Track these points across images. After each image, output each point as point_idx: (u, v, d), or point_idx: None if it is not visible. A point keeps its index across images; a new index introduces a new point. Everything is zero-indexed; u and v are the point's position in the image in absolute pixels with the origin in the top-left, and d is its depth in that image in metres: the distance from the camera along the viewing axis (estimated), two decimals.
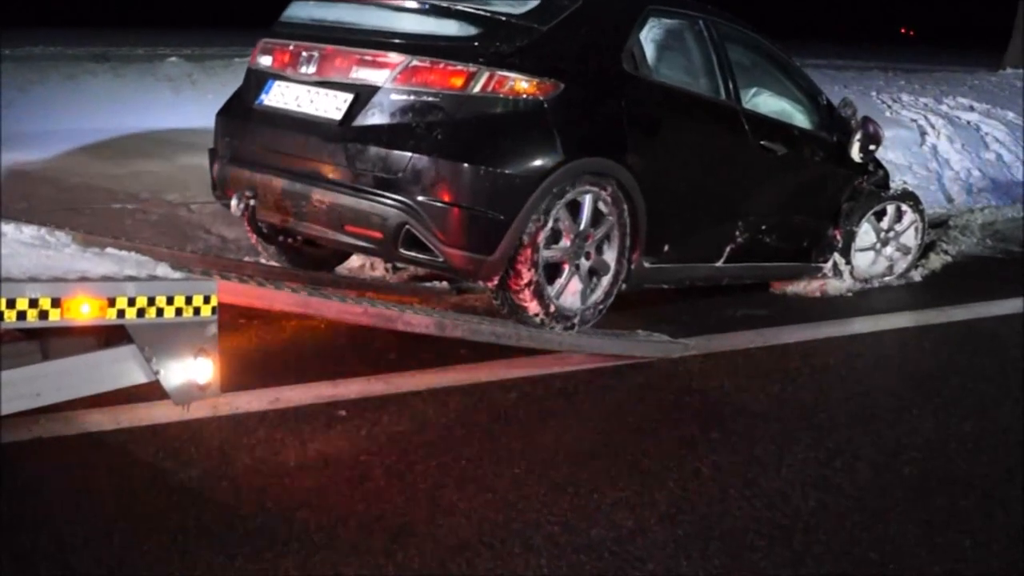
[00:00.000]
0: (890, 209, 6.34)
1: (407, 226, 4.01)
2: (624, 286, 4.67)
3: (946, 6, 49.56)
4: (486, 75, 4.09)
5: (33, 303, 2.60)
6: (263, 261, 5.06)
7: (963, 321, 5.68)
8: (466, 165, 4.01)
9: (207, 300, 2.97)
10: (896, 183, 6.62)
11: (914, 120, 11.12)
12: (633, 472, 3.37)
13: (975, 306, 5.95)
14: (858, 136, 5.94)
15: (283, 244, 4.96)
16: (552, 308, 4.33)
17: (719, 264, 5.29)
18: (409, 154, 4.00)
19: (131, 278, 2.85)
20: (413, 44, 4.17)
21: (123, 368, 2.89)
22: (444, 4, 4.30)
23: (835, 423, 3.97)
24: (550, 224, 4.20)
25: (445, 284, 5.26)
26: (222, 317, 3.03)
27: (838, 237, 6.04)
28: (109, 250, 3.08)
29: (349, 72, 4.22)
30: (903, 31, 49.44)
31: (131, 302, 2.80)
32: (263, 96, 4.52)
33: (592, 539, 2.93)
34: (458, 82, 4.07)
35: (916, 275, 6.58)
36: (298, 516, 2.90)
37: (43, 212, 5.61)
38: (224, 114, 4.77)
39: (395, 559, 2.74)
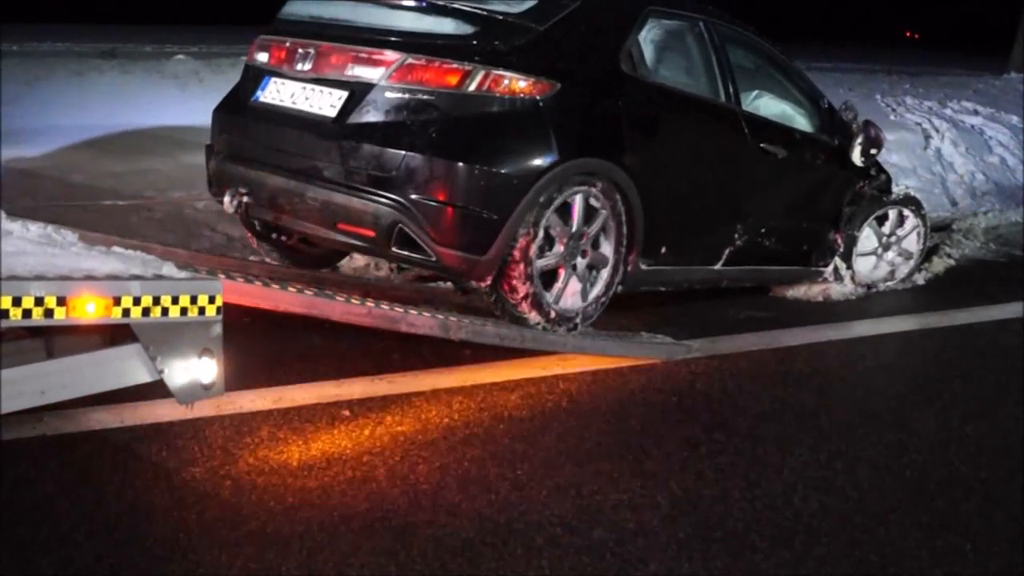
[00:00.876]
0: (892, 214, 6.31)
1: (400, 225, 4.00)
2: (620, 288, 4.66)
3: (950, 10, 49.50)
4: (481, 74, 4.07)
5: (39, 301, 2.61)
6: (267, 260, 5.07)
7: (965, 324, 5.69)
8: (460, 164, 4.00)
9: (212, 300, 2.98)
10: (899, 187, 6.60)
11: (918, 123, 11.11)
12: (635, 473, 3.38)
13: (977, 310, 5.96)
14: (859, 140, 5.91)
15: (278, 242, 4.96)
16: (553, 314, 4.33)
17: (718, 267, 5.28)
18: (403, 152, 3.99)
19: (137, 277, 2.86)
20: (409, 42, 4.16)
21: (128, 367, 2.90)
22: (441, 2, 4.28)
23: (837, 425, 3.98)
24: (541, 233, 4.18)
25: (449, 284, 5.26)
26: (226, 316, 3.04)
27: (839, 241, 6.02)
28: (115, 249, 3.09)
29: (344, 69, 4.21)
30: (907, 34, 49.40)
31: (136, 301, 2.81)
32: (259, 93, 4.52)
33: (594, 540, 2.93)
34: (453, 80, 4.06)
35: (919, 278, 6.57)
36: (301, 516, 2.91)
37: (48, 208, 5.61)
38: (221, 110, 4.76)
39: (398, 559, 2.75)
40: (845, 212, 6.06)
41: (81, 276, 2.75)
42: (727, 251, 5.26)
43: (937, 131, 10.93)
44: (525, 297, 4.21)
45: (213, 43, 12.74)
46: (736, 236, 5.27)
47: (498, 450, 3.47)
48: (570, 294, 4.44)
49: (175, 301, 2.89)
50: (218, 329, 3.01)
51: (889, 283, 6.35)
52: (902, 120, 11.20)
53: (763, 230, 5.45)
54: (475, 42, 4.16)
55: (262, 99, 4.49)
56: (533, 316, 4.26)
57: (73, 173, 6.62)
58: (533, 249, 4.17)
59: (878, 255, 6.31)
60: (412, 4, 4.31)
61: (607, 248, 4.51)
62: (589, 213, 4.39)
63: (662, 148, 4.73)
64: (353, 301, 3.76)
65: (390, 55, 4.11)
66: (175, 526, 2.80)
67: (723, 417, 3.95)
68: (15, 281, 2.60)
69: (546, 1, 4.41)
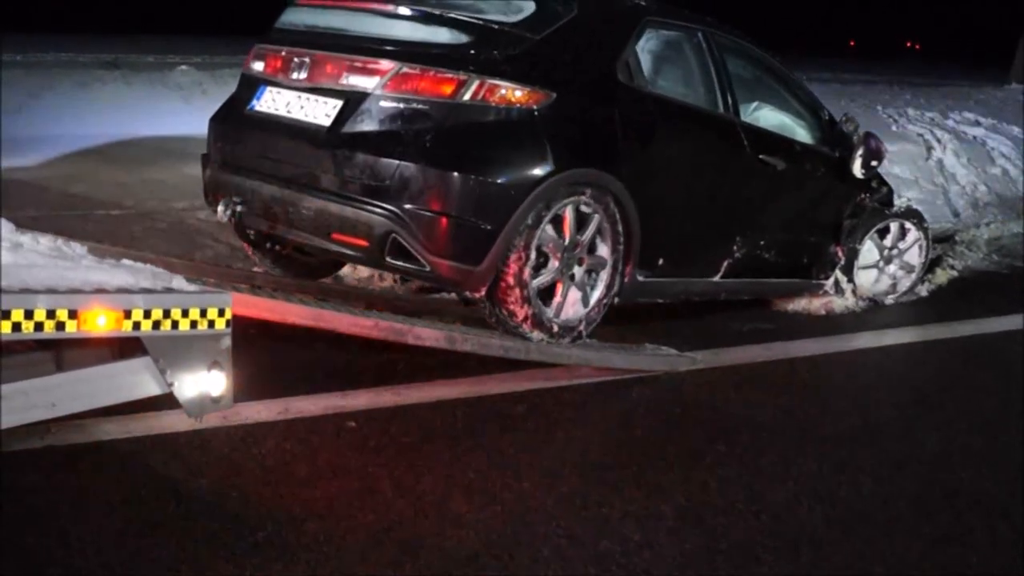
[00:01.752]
0: (894, 227, 6.27)
1: (393, 234, 3.97)
2: (617, 299, 4.63)
3: (952, 21, 49.58)
4: (476, 83, 4.05)
5: (50, 314, 2.63)
6: (261, 271, 5.06)
7: (968, 336, 5.70)
8: (454, 173, 3.97)
9: (221, 313, 3.00)
10: (901, 200, 6.58)
11: (920, 134, 11.13)
12: (640, 485, 3.39)
13: (980, 321, 5.96)
14: (860, 152, 5.86)
15: (274, 252, 4.94)
16: (555, 328, 4.33)
17: (716, 279, 5.24)
18: (396, 161, 3.97)
19: (147, 290, 2.88)
20: (404, 51, 4.13)
21: (138, 380, 2.92)
22: (436, 12, 4.26)
23: (841, 437, 3.99)
24: (534, 253, 4.15)
25: (454, 295, 5.27)
26: (232, 327, 3.06)
27: (840, 254, 5.98)
28: (125, 262, 3.10)
29: (339, 78, 4.20)
30: (909, 45, 49.47)
31: (147, 314, 2.83)
32: (255, 102, 4.50)
33: (600, 551, 2.94)
34: (448, 90, 4.04)
35: (923, 290, 6.57)
36: (307, 526, 2.92)
37: (52, 218, 5.65)
38: (217, 120, 4.74)
39: (403, 570, 2.76)
40: (846, 225, 6.02)
41: (92, 289, 2.77)
42: (726, 263, 5.23)
43: (939, 142, 10.95)
44: (525, 319, 4.21)
45: (216, 53, 12.76)
46: (735, 248, 5.24)
47: (503, 461, 3.48)
48: (571, 304, 4.43)
49: (185, 314, 2.91)
50: (227, 342, 3.03)
51: (891, 296, 6.31)
52: (904, 131, 11.22)
53: (762, 242, 5.42)
54: (470, 51, 4.14)
55: (257, 108, 4.48)
56: (536, 335, 4.25)
57: (77, 183, 6.64)
58: (528, 272, 4.14)
59: (880, 268, 6.27)
60: (408, 13, 4.29)
61: (604, 250, 4.46)
62: (583, 222, 4.35)
63: (659, 159, 4.70)
64: (360, 313, 3.78)
65: (385, 64, 4.10)
66: (182, 537, 2.81)
67: (727, 428, 3.96)
68: (27, 294, 2.61)
69: (542, 11, 4.38)
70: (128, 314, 2.79)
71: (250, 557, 2.75)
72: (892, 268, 6.33)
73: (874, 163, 5.94)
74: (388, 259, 4.05)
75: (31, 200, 6.04)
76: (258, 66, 4.60)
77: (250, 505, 3.02)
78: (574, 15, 4.45)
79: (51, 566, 2.65)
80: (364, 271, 5.44)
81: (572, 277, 4.40)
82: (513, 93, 4.13)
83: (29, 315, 2.60)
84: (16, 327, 2.57)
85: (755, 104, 5.64)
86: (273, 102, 4.42)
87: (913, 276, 6.41)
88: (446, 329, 4.03)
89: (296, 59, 4.36)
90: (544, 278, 4.27)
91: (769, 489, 3.45)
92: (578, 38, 4.47)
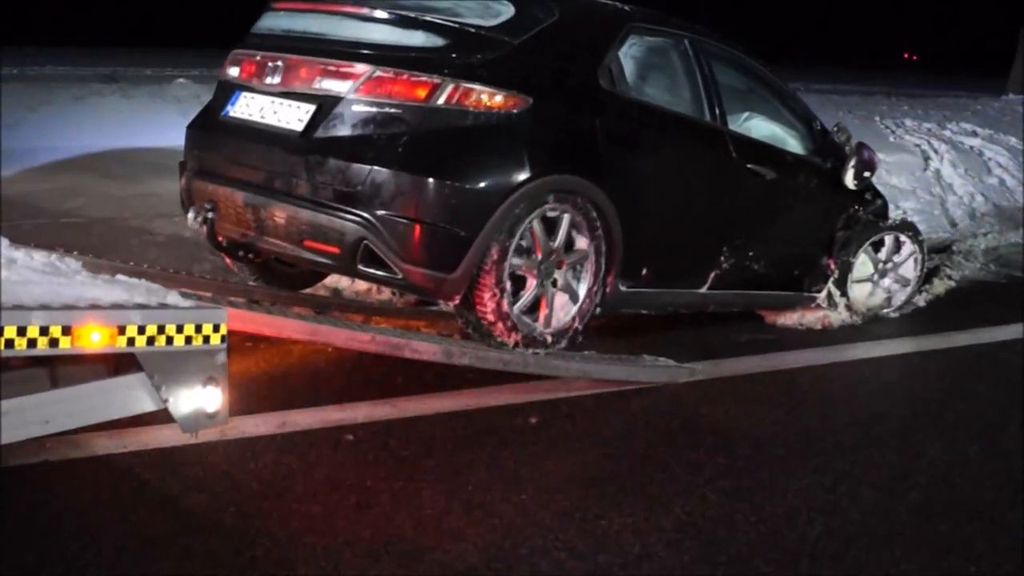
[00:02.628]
0: (888, 240, 6.17)
1: (365, 241, 3.92)
2: (599, 310, 4.58)
3: (949, 32, 49.73)
4: (450, 87, 3.99)
5: (43, 331, 2.62)
6: (254, 282, 5.02)
7: (967, 346, 5.68)
8: (427, 179, 3.90)
9: (216, 328, 2.98)
10: (896, 213, 6.53)
11: (917, 145, 11.16)
12: (639, 497, 3.38)
13: (978, 331, 5.95)
14: (852, 162, 5.77)
15: (248, 260, 4.86)
16: (550, 339, 4.34)
17: (703, 290, 5.17)
18: (368, 167, 3.91)
19: (141, 306, 2.87)
20: (378, 55, 4.09)
21: (132, 396, 2.91)
22: (413, 15, 4.20)
23: (840, 448, 3.97)
24: (509, 262, 4.10)
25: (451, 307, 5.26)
26: (229, 340, 3.05)
27: (832, 266, 5.90)
28: (120, 277, 3.10)
29: (313, 82, 4.15)
30: (906, 56, 49.61)
31: (141, 330, 2.82)
32: (229, 107, 4.46)
33: (599, 565, 2.93)
34: (422, 93, 3.98)
35: (920, 300, 6.55)
36: (305, 541, 2.91)
37: (50, 232, 5.65)
38: (192, 126, 4.69)
39: None
40: (839, 237, 5.94)
41: (86, 305, 2.76)
42: (713, 274, 5.16)
43: (936, 153, 10.98)
44: (517, 344, 4.21)
45: (214, 66, 12.77)
46: (722, 259, 5.17)
47: (502, 474, 3.47)
48: (560, 309, 4.40)
49: (180, 330, 2.90)
50: (223, 357, 3.01)
51: (885, 311, 6.19)
52: (901, 142, 11.24)
53: (751, 253, 5.35)
54: (446, 55, 4.08)
55: (232, 114, 4.43)
56: (531, 351, 4.24)
57: (75, 196, 6.64)
58: (505, 282, 4.10)
59: (874, 282, 6.15)
60: (384, 17, 4.23)
61: (582, 242, 4.39)
62: (560, 228, 4.30)
63: (642, 166, 4.64)
64: (357, 328, 3.77)
65: (358, 68, 4.05)
66: (180, 552, 2.80)
67: (727, 440, 3.95)
68: (20, 311, 2.61)
69: (521, 15, 4.31)
70: (122, 330, 2.78)
71: (248, 572, 2.74)
72: (887, 282, 6.22)
73: (867, 174, 5.86)
74: (360, 266, 4.00)
75: (28, 214, 6.04)
76: (233, 71, 4.55)
77: (248, 520, 3.01)
78: (555, 20, 4.39)
79: None
80: (362, 285, 5.43)
81: (555, 283, 4.35)
82: (489, 97, 4.07)
83: (22, 332, 2.59)
84: (9, 344, 2.57)
85: (746, 114, 5.60)
86: (247, 107, 4.37)
87: (908, 290, 6.30)
88: (443, 343, 4.01)
89: (270, 64, 4.32)
90: (526, 298, 4.25)
91: (769, 500, 3.44)
92: (558, 43, 4.41)
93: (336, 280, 5.36)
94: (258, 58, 4.42)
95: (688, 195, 4.95)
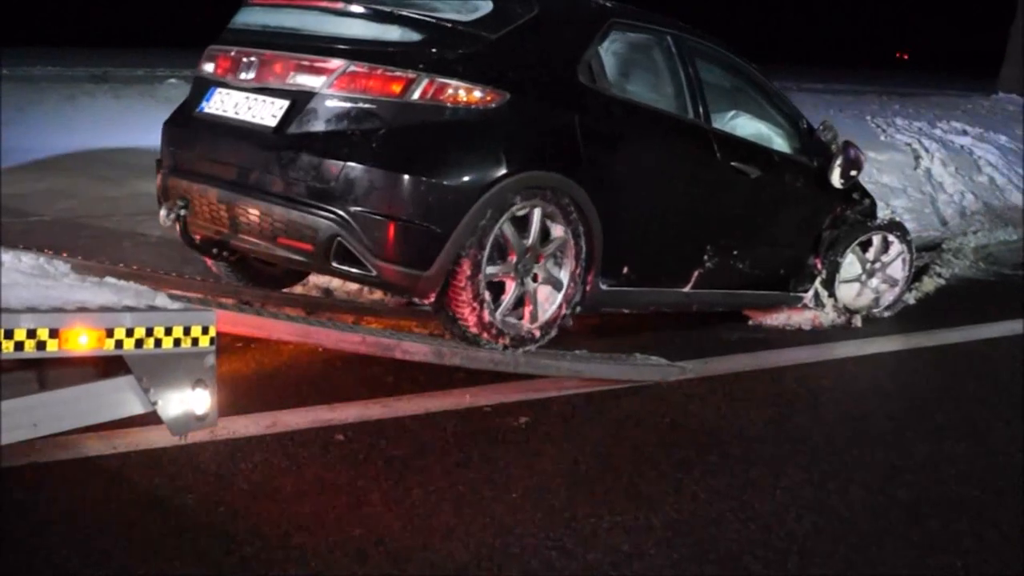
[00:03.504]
0: (876, 239, 6.11)
1: (339, 238, 3.88)
2: (579, 309, 4.55)
3: (940, 31, 49.84)
4: (425, 81, 3.95)
5: (31, 334, 2.61)
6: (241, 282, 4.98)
7: (956, 344, 5.70)
8: (400, 175, 3.86)
9: (205, 331, 2.97)
10: (885, 212, 6.51)
11: (908, 144, 11.19)
12: (630, 496, 3.38)
13: (968, 329, 5.97)
14: (839, 161, 5.72)
15: (224, 258, 4.80)
16: (538, 333, 4.34)
17: (686, 290, 5.13)
18: (341, 163, 3.87)
19: (130, 309, 2.86)
20: (352, 49, 4.05)
21: (121, 399, 2.90)
22: (389, 10, 4.15)
23: (830, 446, 3.98)
24: (485, 259, 4.06)
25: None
26: (219, 340, 3.04)
27: (819, 266, 5.86)
28: (108, 280, 3.10)
29: (287, 78, 4.11)
30: (897, 55, 49.68)
31: (129, 333, 2.81)
32: (204, 104, 4.41)
33: (589, 563, 2.93)
34: (396, 88, 3.94)
35: (910, 298, 6.57)
36: (295, 541, 2.91)
37: (40, 234, 5.64)
38: (169, 123, 4.64)
39: None
40: (825, 236, 5.90)
41: (74, 308, 2.75)
42: (696, 273, 5.12)
43: (927, 151, 11.00)
44: (506, 347, 4.21)
45: None
46: (706, 258, 5.13)
47: (492, 473, 3.47)
48: (544, 301, 4.38)
49: (168, 332, 2.89)
50: (211, 360, 3.01)
51: (873, 311, 6.13)
52: (892, 141, 11.27)
53: (735, 252, 5.30)
54: (422, 50, 4.04)
55: (207, 110, 4.39)
56: (521, 351, 4.24)
57: (66, 198, 6.63)
58: (480, 278, 4.07)
59: (862, 282, 6.10)
60: (360, 11, 4.18)
61: (558, 229, 4.34)
62: (542, 228, 4.27)
63: (622, 163, 4.60)
64: (347, 329, 3.76)
65: (332, 63, 4.01)
66: (169, 553, 2.80)
67: (717, 439, 3.96)
68: (7, 313, 2.60)
69: (499, 10, 4.29)
70: (111, 332, 2.77)
71: (238, 573, 2.74)
72: (875, 282, 6.17)
73: (853, 172, 5.81)
74: (334, 264, 3.96)
75: (19, 215, 6.03)
76: (209, 67, 4.51)
77: (237, 520, 3.00)
78: (534, 14, 4.36)
79: None
80: (353, 284, 5.42)
81: (535, 278, 4.32)
82: (465, 93, 4.03)
83: (10, 335, 2.58)
84: None
85: (732, 112, 5.57)
86: (222, 103, 4.33)
87: (896, 290, 6.25)
88: (434, 343, 4.01)
89: (245, 59, 4.28)
90: (508, 302, 4.23)
91: (759, 499, 3.44)
92: (537, 38, 4.38)
93: (327, 280, 5.36)
94: (233, 54, 4.37)
95: (670, 193, 4.91)
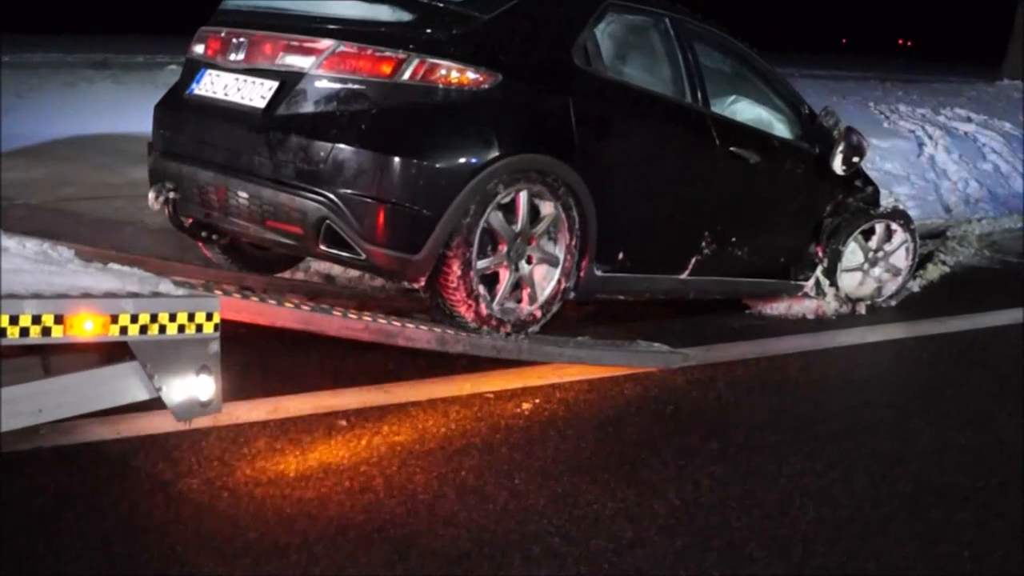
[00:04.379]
0: (879, 228, 6.06)
1: (327, 221, 3.83)
2: (573, 295, 4.51)
3: (944, 18, 49.69)
4: (416, 62, 3.89)
5: (36, 320, 2.61)
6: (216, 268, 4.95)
7: (960, 332, 5.70)
8: (389, 157, 3.80)
9: (209, 317, 2.97)
10: (888, 200, 6.46)
11: (912, 131, 11.17)
12: (632, 483, 3.39)
13: (972, 317, 5.97)
14: (840, 147, 5.66)
15: (213, 241, 4.76)
16: (539, 314, 4.33)
17: (683, 276, 5.07)
18: (330, 144, 3.81)
19: (134, 295, 2.86)
20: (342, 29, 4.00)
21: (125, 385, 2.89)
22: None
23: (833, 434, 3.98)
24: (476, 242, 4.02)
25: None
26: (221, 327, 3.04)
27: (820, 254, 5.81)
28: (112, 266, 3.09)
29: (276, 58, 4.06)
30: (901, 42, 49.56)
31: (134, 319, 2.80)
32: (194, 86, 4.37)
33: (592, 550, 2.94)
34: (386, 69, 3.88)
35: (914, 285, 6.55)
36: (298, 526, 2.91)
37: (41, 220, 5.64)
38: (160, 105, 4.60)
39: (395, 570, 2.75)
40: (826, 224, 5.85)
41: (78, 294, 2.75)
42: (693, 260, 5.05)
43: (931, 138, 10.99)
44: (509, 334, 4.20)
45: None
46: (703, 244, 5.06)
47: (495, 460, 3.48)
48: (542, 280, 4.35)
49: (172, 318, 2.88)
50: (216, 346, 3.00)
51: (876, 300, 6.10)
52: (896, 128, 11.25)
53: (734, 239, 5.24)
54: (412, 30, 3.99)
55: (197, 92, 4.35)
56: (523, 338, 4.23)
57: (66, 185, 6.63)
58: (472, 263, 4.03)
59: (864, 271, 6.05)
60: None
61: (547, 206, 4.29)
62: (534, 211, 4.24)
63: (617, 147, 4.54)
64: (350, 316, 3.75)
65: (322, 43, 3.95)
66: (172, 538, 2.80)
67: (719, 426, 3.96)
68: (12, 299, 2.59)
69: None
70: (115, 319, 2.77)
71: (241, 558, 2.74)
72: (877, 271, 6.10)
73: (855, 159, 5.75)
74: (322, 247, 3.93)
75: (19, 202, 6.02)
76: (199, 49, 4.47)
77: (240, 505, 3.01)
78: None
79: (40, 569, 2.63)
80: (355, 271, 5.42)
81: (529, 260, 4.29)
82: (456, 74, 3.97)
83: (15, 320, 2.58)
84: (1, 333, 2.56)
85: (732, 97, 5.50)
86: (212, 85, 4.29)
87: (899, 279, 6.19)
88: (437, 330, 4.00)
89: (235, 40, 4.24)
90: (504, 290, 4.21)
91: (761, 487, 3.45)
92: (531, 19, 4.33)
93: (329, 266, 5.35)
94: (223, 35, 4.34)
95: (667, 178, 4.85)
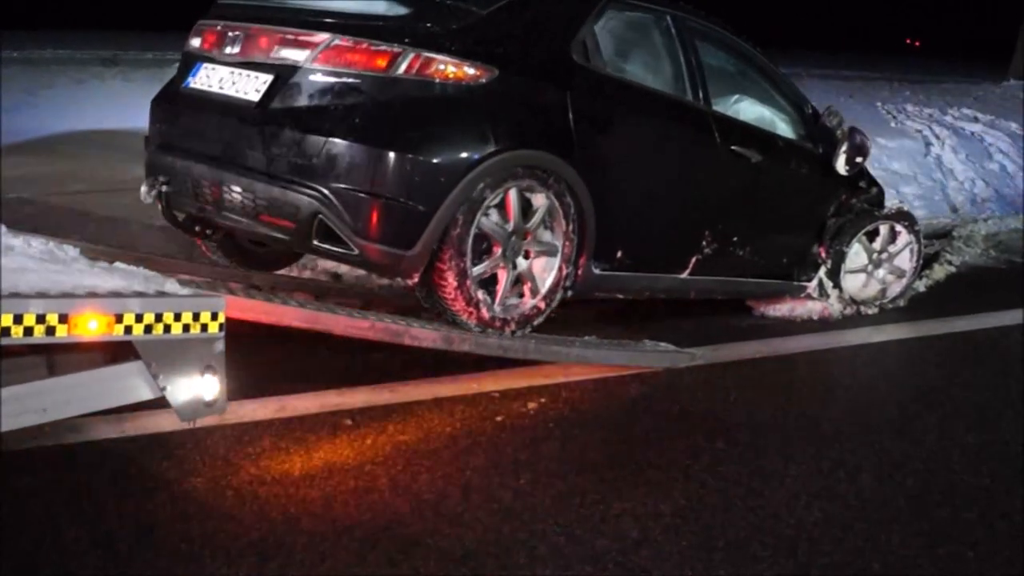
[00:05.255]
0: (883, 229, 5.99)
1: (320, 216, 3.80)
2: (570, 293, 4.49)
3: (951, 18, 49.62)
4: (411, 56, 3.86)
5: (40, 319, 2.60)
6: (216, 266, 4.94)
7: (966, 332, 5.68)
8: (383, 151, 3.77)
9: (215, 317, 2.96)
10: (892, 200, 6.41)
11: (919, 131, 11.15)
12: (638, 482, 3.38)
13: (978, 317, 5.95)
14: (844, 147, 5.60)
15: (207, 236, 4.74)
16: (543, 306, 4.32)
17: (684, 276, 5.02)
18: (324, 139, 3.79)
19: (139, 294, 2.85)
20: (338, 23, 3.97)
21: (130, 384, 2.88)
22: None
23: (839, 434, 3.98)
24: (471, 238, 3.98)
25: None
26: (226, 326, 3.04)
27: (824, 255, 5.76)
28: (118, 265, 3.09)
29: (271, 52, 4.04)
30: (908, 42, 49.47)
31: (139, 318, 2.79)
32: (190, 79, 4.36)
33: (597, 549, 2.93)
34: (381, 63, 3.85)
35: (920, 285, 6.54)
36: (303, 525, 2.91)
37: (48, 217, 5.64)
38: (156, 100, 4.58)
39: (400, 569, 2.75)
40: (830, 225, 5.80)
41: (83, 293, 2.74)
42: (694, 259, 5.01)
43: (937, 138, 10.97)
44: (514, 332, 4.21)
45: None
46: (704, 243, 5.01)
47: (501, 459, 3.47)
48: (542, 272, 4.32)
49: (177, 318, 2.88)
50: (220, 346, 2.99)
51: (880, 302, 6.04)
52: (902, 127, 11.24)
53: (735, 239, 5.19)
54: (409, 24, 3.98)
55: (192, 85, 4.33)
56: (530, 336, 4.22)
57: (74, 181, 6.64)
58: (467, 259, 4.00)
59: (868, 272, 5.98)
60: None
61: (539, 198, 4.22)
62: (529, 207, 4.22)
63: (616, 144, 4.49)
64: (356, 315, 3.74)
65: (317, 36, 3.93)
66: (177, 537, 2.80)
67: (726, 425, 3.95)
68: (17, 298, 2.59)
69: None
70: (120, 318, 2.76)
71: (245, 557, 2.74)
72: (881, 272, 6.05)
73: (859, 159, 5.69)
74: (315, 242, 3.90)
75: (27, 199, 6.03)
76: (196, 42, 4.46)
77: (245, 504, 3.01)
78: None
79: (44, 567, 2.64)
80: (361, 269, 5.41)
81: (527, 255, 4.27)
82: (452, 68, 3.94)
83: (19, 320, 2.57)
84: (6, 332, 2.55)
85: (735, 96, 5.47)
86: (207, 79, 4.28)
87: (904, 281, 6.14)
88: (443, 329, 4.00)
89: (231, 33, 4.23)
90: (504, 289, 4.19)
91: (767, 486, 3.44)
92: (529, 14, 4.30)
93: (336, 264, 5.35)
94: (219, 28, 4.32)
95: (666, 176, 4.82)
